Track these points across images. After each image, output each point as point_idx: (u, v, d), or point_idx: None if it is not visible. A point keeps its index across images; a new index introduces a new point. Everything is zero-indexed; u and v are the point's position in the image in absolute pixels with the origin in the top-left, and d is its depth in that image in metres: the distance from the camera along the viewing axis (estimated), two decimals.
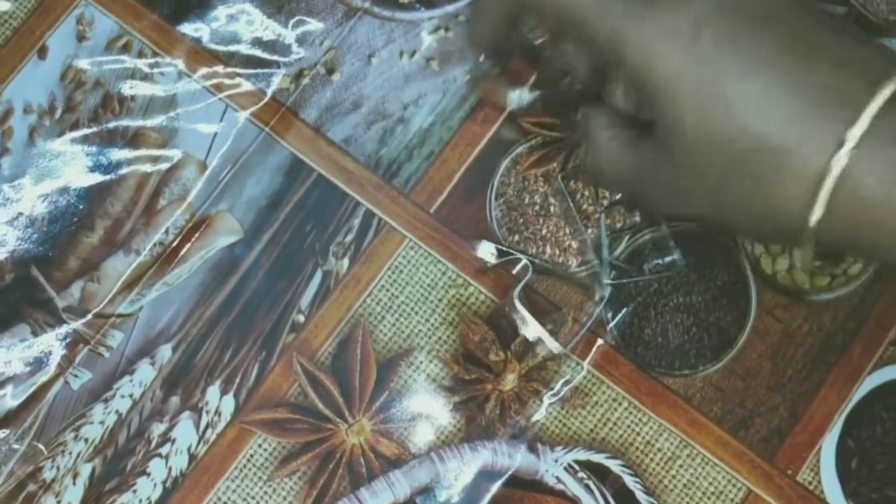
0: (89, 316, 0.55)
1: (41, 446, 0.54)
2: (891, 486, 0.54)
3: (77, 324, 0.55)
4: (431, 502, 0.53)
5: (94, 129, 0.57)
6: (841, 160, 0.39)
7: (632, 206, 0.55)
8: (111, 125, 0.57)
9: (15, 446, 0.54)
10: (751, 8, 0.42)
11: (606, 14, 0.43)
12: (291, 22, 0.58)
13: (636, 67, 0.42)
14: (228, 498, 0.54)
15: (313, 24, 0.58)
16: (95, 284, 0.55)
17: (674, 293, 0.55)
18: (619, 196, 0.55)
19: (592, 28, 0.43)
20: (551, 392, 0.54)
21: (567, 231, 0.56)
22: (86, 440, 0.54)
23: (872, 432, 0.54)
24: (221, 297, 0.55)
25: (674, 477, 0.54)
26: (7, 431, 0.54)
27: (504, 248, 0.55)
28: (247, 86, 0.57)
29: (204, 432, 0.54)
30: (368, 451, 0.54)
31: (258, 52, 0.58)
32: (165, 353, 0.55)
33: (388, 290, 0.56)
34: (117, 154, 0.57)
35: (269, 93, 0.57)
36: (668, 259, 0.55)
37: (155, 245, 0.56)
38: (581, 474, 0.54)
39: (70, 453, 0.54)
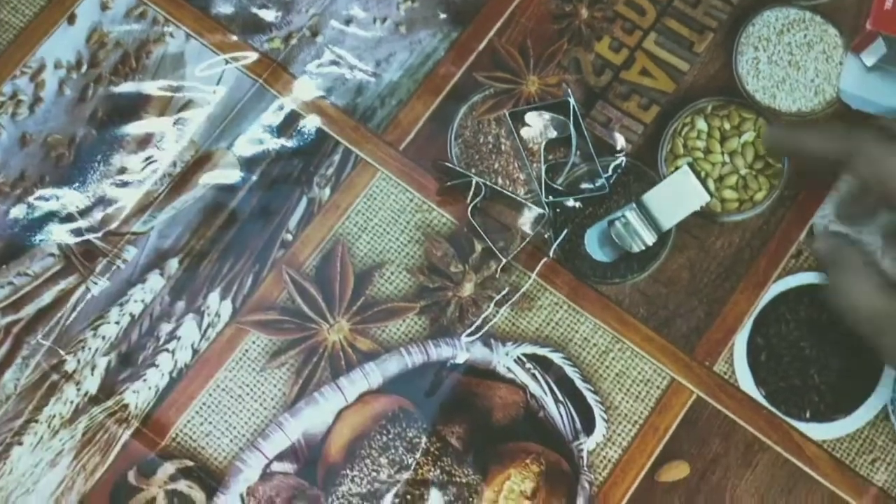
0: (105, 231, 0.63)
1: (61, 350, 0.61)
2: (795, 376, 0.61)
3: (96, 236, 0.63)
4: (400, 390, 0.61)
5: (115, 82, 0.66)
6: None
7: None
8: (129, 81, 0.66)
9: (42, 341, 0.61)
10: None
11: None
12: None
13: None
14: (226, 385, 0.61)
15: None
16: (113, 209, 0.64)
17: (605, 215, 0.64)
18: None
19: None
20: (503, 297, 0.63)
21: (515, 165, 0.65)
22: (103, 337, 0.61)
23: (778, 330, 0.61)
24: (221, 219, 0.64)
25: (607, 367, 0.62)
26: (36, 329, 0.62)
27: (460, 170, 0.64)
28: (244, 46, 0.67)
29: (205, 331, 0.62)
30: (347, 346, 0.62)
31: (254, 18, 0.67)
32: (173, 265, 0.63)
33: (363, 215, 0.65)
34: (133, 105, 0.66)
35: (263, 51, 0.67)
36: (597, 183, 0.64)
37: (165, 176, 0.65)
38: (528, 365, 0.61)
39: (89, 348, 0.61)
